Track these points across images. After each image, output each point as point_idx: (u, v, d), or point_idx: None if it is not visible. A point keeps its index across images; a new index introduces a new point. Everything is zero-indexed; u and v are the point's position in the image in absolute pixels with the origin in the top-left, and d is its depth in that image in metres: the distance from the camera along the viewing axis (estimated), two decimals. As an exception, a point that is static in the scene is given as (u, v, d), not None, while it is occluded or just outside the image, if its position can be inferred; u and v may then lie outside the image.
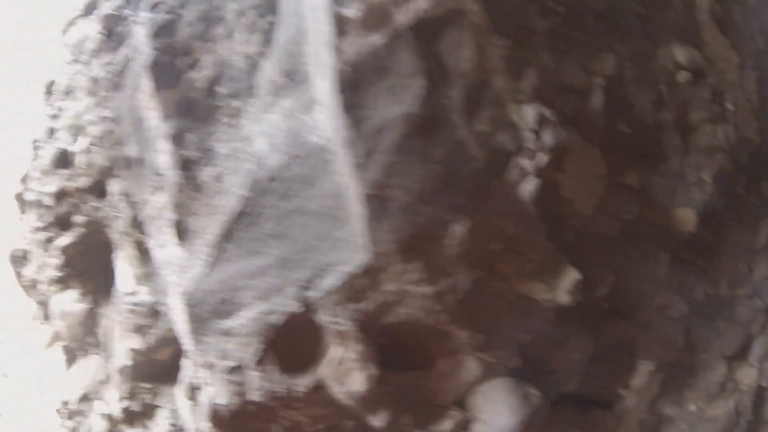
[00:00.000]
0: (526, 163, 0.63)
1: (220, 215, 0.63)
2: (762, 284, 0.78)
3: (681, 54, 0.74)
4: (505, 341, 0.64)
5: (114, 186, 0.85)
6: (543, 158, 0.63)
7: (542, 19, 0.70)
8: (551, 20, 0.71)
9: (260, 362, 0.59)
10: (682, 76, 0.74)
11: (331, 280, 0.56)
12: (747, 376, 0.79)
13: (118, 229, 0.86)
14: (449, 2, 0.64)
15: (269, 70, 0.67)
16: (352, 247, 0.57)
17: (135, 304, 0.85)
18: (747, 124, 0.78)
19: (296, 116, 0.63)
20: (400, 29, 0.62)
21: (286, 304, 0.58)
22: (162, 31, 0.75)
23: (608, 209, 0.68)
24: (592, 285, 0.67)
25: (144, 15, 0.79)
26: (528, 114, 0.63)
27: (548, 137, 0.63)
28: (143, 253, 0.83)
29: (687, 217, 0.72)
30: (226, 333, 0.58)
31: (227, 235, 0.61)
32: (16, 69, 1.82)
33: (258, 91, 0.68)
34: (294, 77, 0.65)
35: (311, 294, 0.57)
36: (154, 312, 0.84)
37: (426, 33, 0.64)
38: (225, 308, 0.60)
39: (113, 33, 0.83)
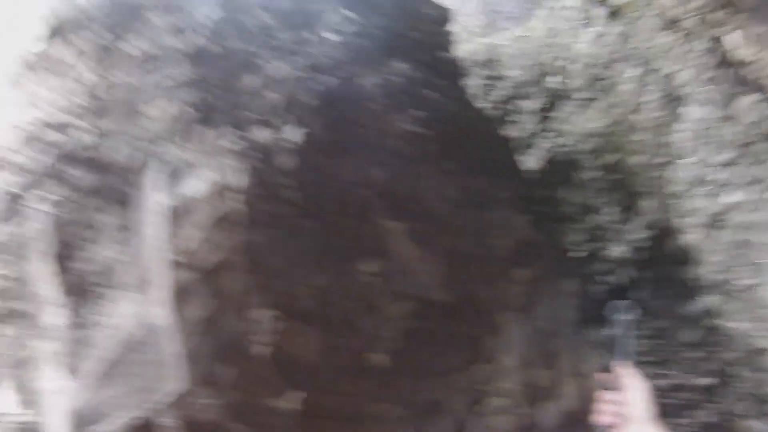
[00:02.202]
0: (260, 339, 0.94)
1: (100, 360, 0.90)
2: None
3: (369, 266, 1.07)
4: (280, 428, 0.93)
5: (6, 330, 0.98)
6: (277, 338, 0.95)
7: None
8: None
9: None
10: (369, 279, 1.06)
11: (164, 398, 0.87)
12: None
13: (4, 364, 0.99)
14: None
15: (124, 273, 0.95)
16: (174, 381, 0.89)
17: (19, 423, 0.98)
18: (427, 292, 1.11)
19: (144, 306, 0.93)
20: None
21: (140, 412, 0.87)
22: (55, 228, 0.96)
23: (327, 357, 0.99)
24: (317, 403, 0.96)
25: (39, 209, 0.97)
26: (263, 315, 0.95)
27: (272, 324, 0.96)
28: (26, 384, 0.97)
29: (379, 359, 1.04)
30: (99, 433, 0.86)
31: (105, 373, 0.90)
32: None
33: (119, 285, 0.95)
34: (141, 281, 0.95)
35: (155, 406, 0.87)
36: (34, 429, 0.97)
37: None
38: (99, 418, 0.87)
39: (12, 209, 0.99)
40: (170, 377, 0.90)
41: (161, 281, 0.94)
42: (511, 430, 1.06)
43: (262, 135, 1.08)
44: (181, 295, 0.93)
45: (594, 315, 1.21)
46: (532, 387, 1.09)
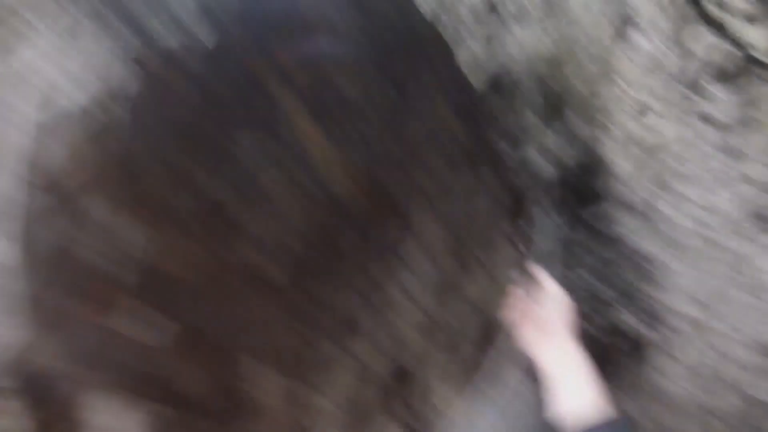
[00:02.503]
0: (129, 266, 0.78)
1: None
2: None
3: (256, 143, 0.88)
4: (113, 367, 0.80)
5: None
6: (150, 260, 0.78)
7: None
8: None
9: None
10: (257, 162, 0.86)
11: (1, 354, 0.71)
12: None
13: None
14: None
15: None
16: (14, 330, 0.74)
17: None
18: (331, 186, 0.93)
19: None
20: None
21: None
22: None
23: (211, 275, 0.85)
24: (198, 332, 0.83)
25: None
26: (135, 235, 0.79)
27: (146, 244, 0.80)
28: None
29: (275, 271, 0.88)
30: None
31: None
32: None
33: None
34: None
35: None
36: None
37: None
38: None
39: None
40: (9, 326, 0.76)
41: (10, 210, 0.81)
42: (417, 329, 1.06)
43: (167, 41, 1.02)
44: (35, 223, 0.81)
45: (515, 211, 1.19)
46: (442, 285, 1.09)
